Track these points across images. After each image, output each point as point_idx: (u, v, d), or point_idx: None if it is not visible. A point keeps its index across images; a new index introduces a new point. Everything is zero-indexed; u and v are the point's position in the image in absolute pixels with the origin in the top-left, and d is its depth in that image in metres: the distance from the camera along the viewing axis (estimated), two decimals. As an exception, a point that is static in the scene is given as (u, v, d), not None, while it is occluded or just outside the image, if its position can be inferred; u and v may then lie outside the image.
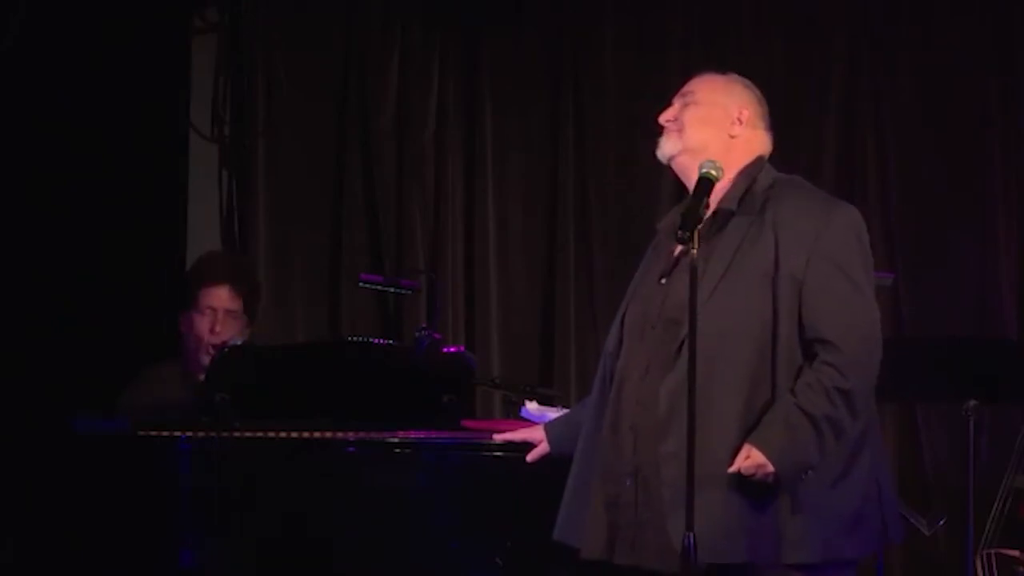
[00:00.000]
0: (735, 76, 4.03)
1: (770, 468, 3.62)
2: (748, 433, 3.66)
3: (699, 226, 3.63)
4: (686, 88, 4.00)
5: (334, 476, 4.56)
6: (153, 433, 4.61)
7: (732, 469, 3.64)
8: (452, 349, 5.55)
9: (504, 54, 6.68)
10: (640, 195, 6.51)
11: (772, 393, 3.69)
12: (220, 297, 5.26)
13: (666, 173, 6.42)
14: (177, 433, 4.59)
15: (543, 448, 4.18)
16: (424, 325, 5.28)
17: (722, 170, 3.77)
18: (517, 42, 6.67)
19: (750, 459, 3.63)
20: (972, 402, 5.05)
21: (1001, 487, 5.54)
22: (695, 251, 3.60)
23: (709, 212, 3.78)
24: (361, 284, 5.78)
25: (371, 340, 5.83)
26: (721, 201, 3.83)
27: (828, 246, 3.74)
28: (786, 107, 6.02)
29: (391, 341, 6.00)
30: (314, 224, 6.57)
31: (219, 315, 5.25)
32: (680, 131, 3.91)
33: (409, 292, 5.93)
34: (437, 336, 5.15)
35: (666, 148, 3.92)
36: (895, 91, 6.47)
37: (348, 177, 6.58)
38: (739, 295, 3.72)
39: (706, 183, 3.75)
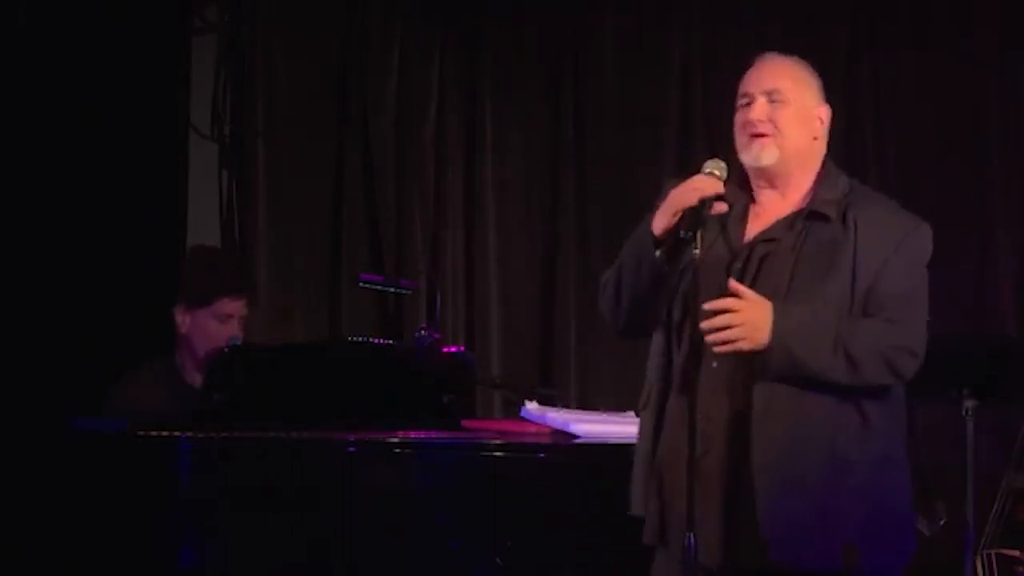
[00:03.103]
0: (803, 62, 3.88)
1: (761, 340, 3.56)
2: (837, 438, 3.63)
3: (701, 228, 3.63)
4: (769, 83, 3.78)
5: (334, 476, 4.56)
6: (153, 433, 4.61)
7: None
8: (452, 349, 5.54)
9: (504, 54, 6.68)
10: (640, 195, 6.51)
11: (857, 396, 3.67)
12: (240, 306, 5.27)
13: (667, 173, 6.50)
14: (177, 433, 4.59)
15: None
16: (424, 325, 5.28)
17: (726, 170, 3.75)
18: (517, 42, 6.68)
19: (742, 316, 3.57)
20: (972, 402, 5.05)
21: (1001, 487, 5.54)
22: (697, 252, 3.60)
23: (800, 213, 3.74)
24: (361, 284, 5.79)
25: (371, 340, 5.83)
26: (812, 203, 3.75)
27: (907, 253, 3.77)
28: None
29: (391, 341, 6.00)
30: (314, 224, 6.57)
31: (236, 321, 5.25)
32: (775, 136, 3.75)
33: (409, 292, 5.94)
34: (437, 336, 5.15)
35: (765, 157, 3.74)
36: (895, 90, 6.47)
37: (348, 177, 6.58)
38: (828, 300, 3.68)
39: (710, 184, 3.74)
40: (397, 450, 4.61)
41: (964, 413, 5.06)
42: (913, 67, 6.46)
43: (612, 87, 6.62)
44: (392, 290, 5.99)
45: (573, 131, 6.62)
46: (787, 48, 6.63)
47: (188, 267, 5.47)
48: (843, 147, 6.46)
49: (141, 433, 4.63)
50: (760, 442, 3.60)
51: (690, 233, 3.60)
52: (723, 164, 3.74)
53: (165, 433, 4.60)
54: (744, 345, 3.58)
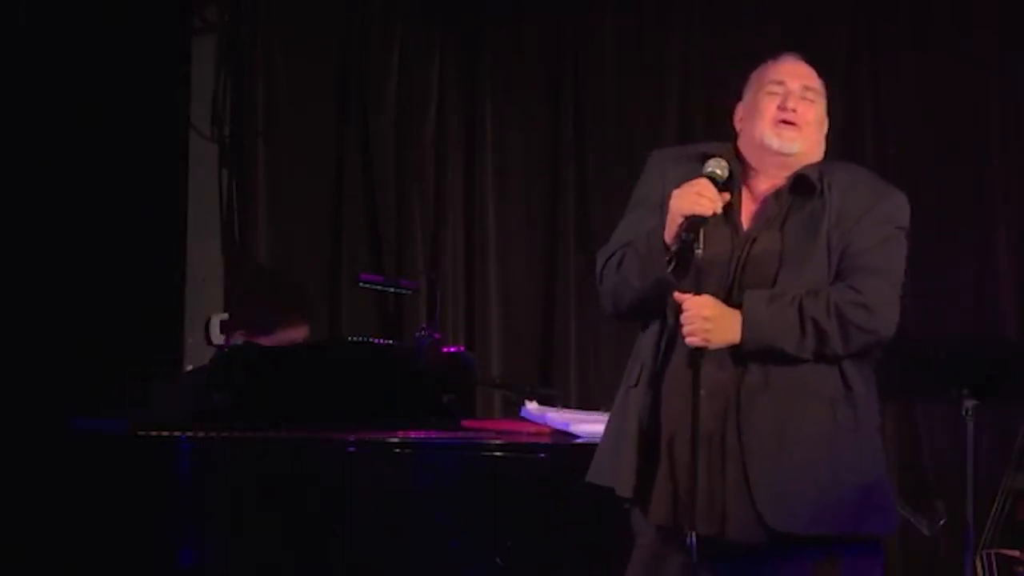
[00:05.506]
0: None
1: (731, 337, 3.62)
2: (835, 406, 3.67)
3: (704, 226, 3.64)
4: (806, 80, 3.87)
5: (334, 476, 4.56)
6: (153, 433, 4.61)
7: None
8: (452, 349, 5.55)
9: (504, 54, 6.68)
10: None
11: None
12: (301, 333, 5.29)
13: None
14: (177, 433, 4.59)
15: None
16: (424, 325, 5.28)
17: (727, 169, 3.76)
18: (517, 42, 6.68)
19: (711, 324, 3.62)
20: (972, 402, 5.05)
21: (1001, 487, 5.54)
22: (700, 251, 3.62)
23: (786, 182, 3.77)
24: (361, 284, 5.79)
25: (371, 340, 5.83)
26: (802, 176, 3.79)
27: (879, 214, 3.77)
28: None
29: (391, 341, 6.00)
30: (314, 224, 6.57)
31: None
32: (803, 128, 3.82)
33: (409, 292, 5.94)
34: (437, 336, 5.15)
35: (794, 146, 3.79)
36: (895, 90, 6.47)
37: (348, 177, 6.58)
38: (813, 266, 3.72)
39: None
40: (397, 450, 4.61)
41: (964, 413, 5.06)
42: (913, 67, 6.46)
43: (612, 87, 6.62)
44: (392, 290, 6.00)
45: (573, 131, 6.62)
46: (787, 48, 6.66)
47: (250, 293, 5.48)
48: (843, 147, 6.48)
49: (141, 433, 4.63)
50: (756, 414, 3.63)
51: (692, 235, 3.63)
52: (724, 163, 3.76)
53: (165, 433, 4.60)
54: (713, 338, 3.63)
